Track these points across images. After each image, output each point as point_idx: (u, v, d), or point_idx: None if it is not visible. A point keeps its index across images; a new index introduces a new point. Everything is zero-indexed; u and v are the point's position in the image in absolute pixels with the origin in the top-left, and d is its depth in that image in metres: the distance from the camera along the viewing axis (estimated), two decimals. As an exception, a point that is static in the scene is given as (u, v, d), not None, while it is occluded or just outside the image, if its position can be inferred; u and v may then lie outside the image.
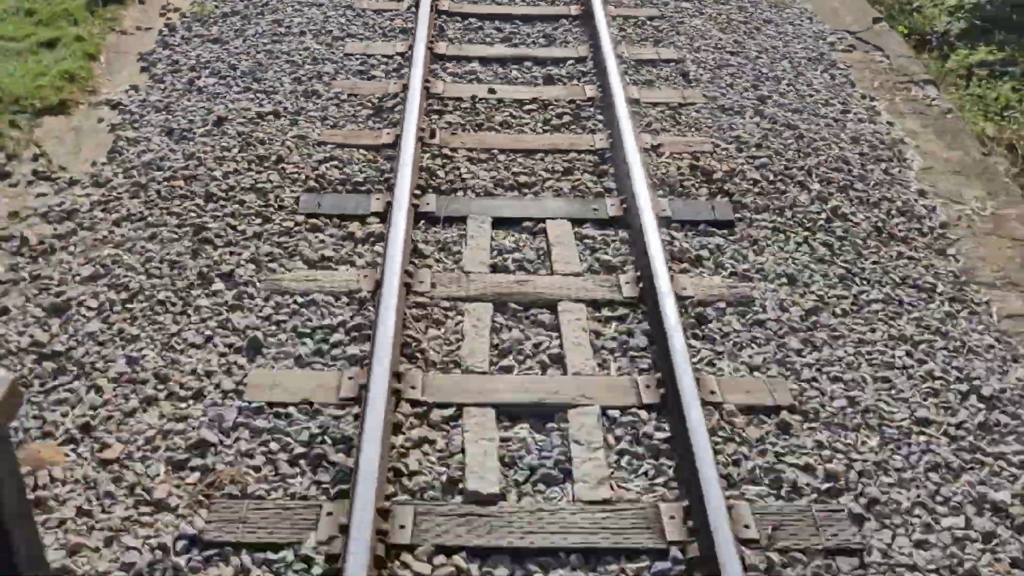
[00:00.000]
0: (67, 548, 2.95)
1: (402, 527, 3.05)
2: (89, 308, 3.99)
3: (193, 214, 4.53)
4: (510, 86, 5.67)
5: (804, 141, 5.28)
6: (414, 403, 3.55)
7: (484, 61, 5.96)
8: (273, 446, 3.37)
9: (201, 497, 3.18)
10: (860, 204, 4.83)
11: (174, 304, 4.00)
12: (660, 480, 3.31)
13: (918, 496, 3.28)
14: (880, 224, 4.71)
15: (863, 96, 5.92)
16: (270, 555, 2.99)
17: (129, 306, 3.99)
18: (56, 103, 5.54)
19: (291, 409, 3.51)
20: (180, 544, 3.01)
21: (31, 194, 4.82)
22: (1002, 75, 6.82)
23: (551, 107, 5.48)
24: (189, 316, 3.94)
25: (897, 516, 3.20)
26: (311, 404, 3.53)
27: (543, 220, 4.55)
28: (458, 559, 2.99)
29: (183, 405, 3.53)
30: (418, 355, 3.78)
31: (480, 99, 5.50)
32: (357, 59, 5.95)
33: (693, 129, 5.33)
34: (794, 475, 3.32)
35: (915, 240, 4.66)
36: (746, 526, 3.07)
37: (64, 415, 3.48)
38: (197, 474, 3.26)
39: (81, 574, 2.88)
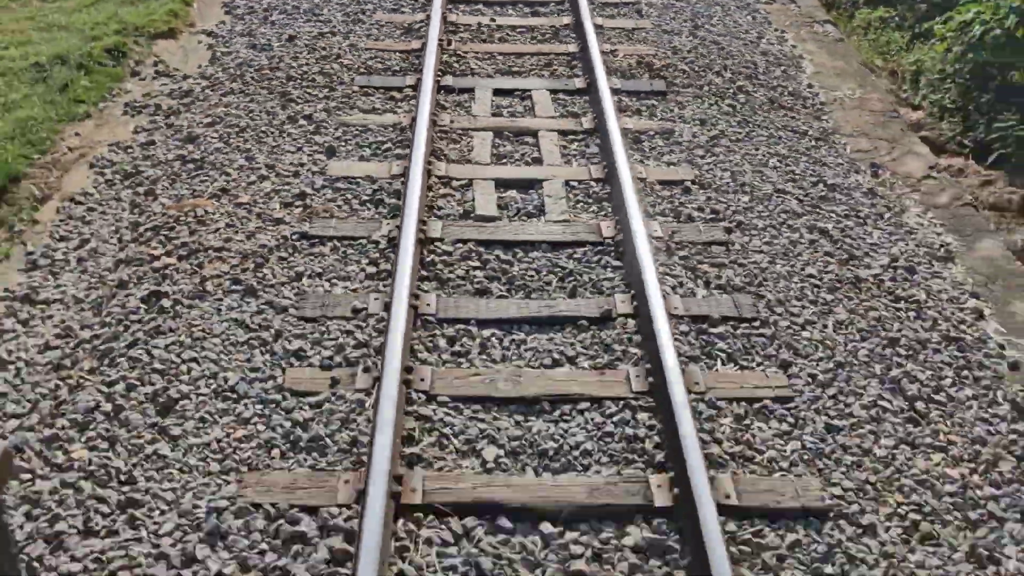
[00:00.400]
0: (222, 237, 4.74)
1: (435, 230, 4.83)
2: (212, 138, 5.80)
3: (279, 87, 6.37)
4: (506, 18, 7.54)
5: (724, 51, 7.14)
6: (440, 178, 5.35)
7: (487, 3, 7.82)
8: (348, 196, 5.17)
9: (304, 218, 4.97)
10: (760, 86, 6.66)
11: (273, 133, 5.82)
12: (602, 213, 5.10)
13: (770, 223, 5.06)
14: (774, 98, 6.54)
15: (776, 29, 7.78)
16: (353, 243, 4.77)
17: (241, 135, 5.80)
18: (166, 30, 7.40)
19: (358, 179, 5.31)
20: (294, 237, 4.80)
21: (156, 84, 6.65)
22: (894, 27, 8.67)
23: (536, 30, 7.35)
24: (284, 138, 5.75)
25: (754, 231, 4.98)
26: (371, 178, 5.32)
27: (529, 90, 6.37)
28: (470, 246, 4.77)
29: (287, 179, 5.33)
30: (443, 156, 5.58)
31: (484, 25, 7.36)
32: (391, 0, 7.82)
33: (641, 43, 7.19)
34: (689, 212, 5.11)
35: (799, 109, 6.47)
36: (655, 232, 4.85)
37: (207, 187, 5.28)
38: (300, 208, 5.05)
39: (236, 250, 4.66)
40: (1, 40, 7.26)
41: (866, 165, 5.83)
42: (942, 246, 5.07)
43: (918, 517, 3.37)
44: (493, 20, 7.41)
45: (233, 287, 4.40)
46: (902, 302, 4.54)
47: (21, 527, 3.15)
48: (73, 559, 3.06)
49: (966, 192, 5.74)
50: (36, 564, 3.00)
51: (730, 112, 6.23)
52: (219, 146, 5.66)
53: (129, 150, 5.67)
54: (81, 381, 3.85)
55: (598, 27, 7.20)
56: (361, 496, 3.21)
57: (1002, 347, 4.34)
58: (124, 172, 5.44)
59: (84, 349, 4.04)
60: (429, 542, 3.17)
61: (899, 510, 3.40)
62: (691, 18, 7.70)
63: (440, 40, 6.80)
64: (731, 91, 6.51)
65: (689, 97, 6.38)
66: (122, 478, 3.38)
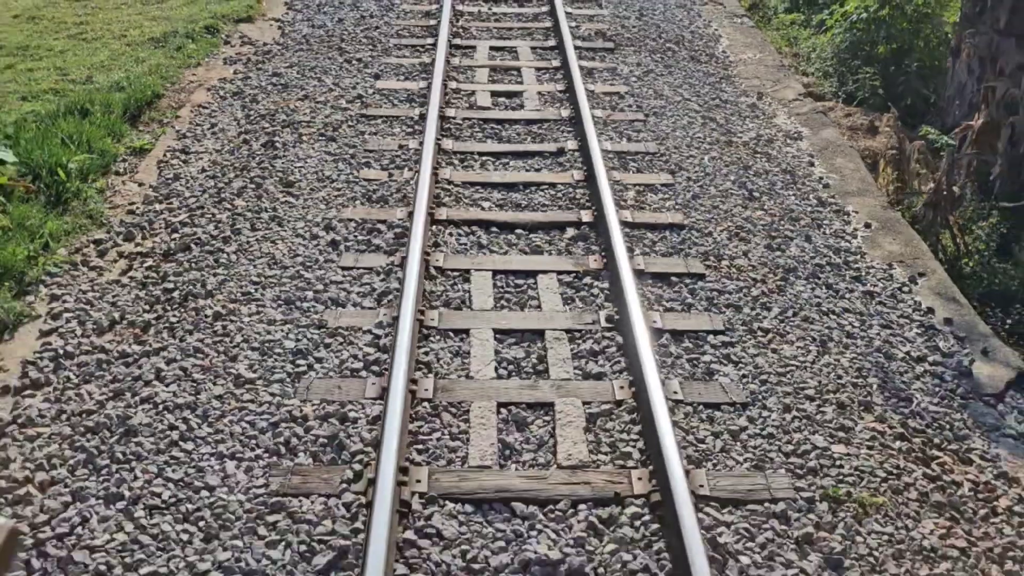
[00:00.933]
0: (309, 117, 7.19)
1: (450, 113, 7.27)
2: (292, 74, 8.27)
3: (336, 46, 8.88)
4: (499, 7, 10.10)
5: (660, 29, 9.68)
6: (453, 90, 7.82)
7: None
8: (391, 98, 7.63)
9: (362, 107, 7.42)
10: (684, 49, 9.18)
11: (334, 69, 8.30)
12: (562, 107, 7.55)
13: (675, 114, 7.52)
14: (693, 55, 9.05)
15: (704, 19, 10.35)
16: (395, 119, 7.21)
17: (312, 71, 8.29)
18: (245, 17, 9.94)
19: (397, 90, 7.78)
20: (357, 116, 7.24)
21: (244, 48, 9.15)
22: (801, 26, 11.22)
23: (521, 15, 9.91)
24: (343, 72, 8.23)
25: (664, 117, 7.43)
26: (407, 90, 7.80)
27: (515, 47, 8.89)
28: (473, 122, 7.21)
29: (347, 90, 7.80)
30: (453, 81, 8.05)
31: (483, 11, 9.91)
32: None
33: (599, 22, 9.74)
34: (622, 107, 7.57)
35: (711, 63, 8.97)
36: (597, 116, 7.28)
37: (293, 96, 7.74)
38: (358, 103, 7.51)
39: (319, 122, 7.10)
40: (121, 26, 9.81)
41: (754, 93, 8.30)
42: (795, 131, 7.51)
43: (739, 232, 5.75)
44: (490, 8, 9.97)
45: (320, 137, 6.83)
46: (759, 154, 6.96)
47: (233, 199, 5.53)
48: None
49: (829, 118, 8.18)
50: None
51: (659, 62, 8.74)
52: (297, 77, 8.14)
53: (233, 81, 8.14)
54: (231, 178, 6.25)
55: (568, 13, 9.75)
56: (411, 216, 5.58)
57: (821, 178, 6.74)
58: (232, 92, 7.90)
59: (229, 167, 6.45)
60: (450, 234, 5.55)
61: (728, 230, 5.78)
62: (638, 10, 10.27)
63: (451, 19, 9.34)
64: (661, 51, 9.03)
65: (630, 53, 8.89)
66: (269, 213, 5.77)
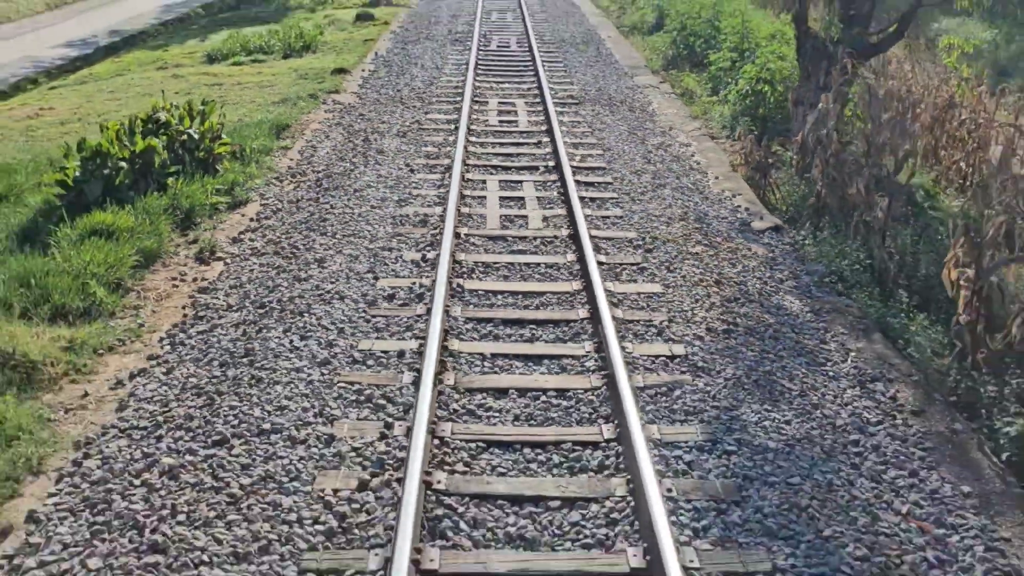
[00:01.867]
0: (387, 129, 11.88)
1: (473, 126, 11.92)
2: (371, 114, 12.97)
3: (397, 102, 13.62)
4: (503, 84, 14.90)
5: (611, 96, 14.41)
6: (474, 119, 12.48)
7: (494, 75, 15.21)
8: (437, 121, 12.30)
9: (420, 128, 12.09)
10: (625, 106, 13.86)
11: (398, 111, 13.01)
12: (541, 126, 12.20)
13: (617, 136, 12.16)
14: (631, 108, 13.72)
15: (644, 94, 15.11)
16: (439, 130, 11.88)
17: (384, 113, 13.00)
18: (333, 90, 14.75)
19: (439, 120, 12.46)
20: (416, 129, 11.93)
21: (335, 106, 13.89)
22: (713, 104, 15.99)
23: (518, 86, 14.70)
24: (403, 113, 12.93)
25: (611, 138, 12.07)
26: (446, 119, 12.47)
27: (514, 102, 13.61)
28: (488, 129, 11.87)
29: (409, 122, 12.48)
30: (475, 118, 12.73)
31: (492, 84, 14.71)
32: (452, 65, 15.22)
33: (570, 89, 14.50)
34: (581, 132, 12.22)
35: (642, 113, 13.62)
36: (567, 140, 11.91)
37: (376, 124, 12.42)
38: (416, 126, 12.18)
39: (395, 131, 11.77)
40: (251, 97, 14.61)
41: (666, 127, 12.93)
42: (687, 143, 12.08)
43: (638, 173, 10.26)
44: (498, 84, 14.79)
45: (396, 136, 11.47)
46: (660, 149, 11.52)
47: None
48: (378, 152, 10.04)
49: (714, 142, 12.75)
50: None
51: (607, 111, 13.41)
52: (375, 115, 12.83)
53: (334, 118, 12.81)
54: (346, 152, 10.84)
55: (550, 86, 14.53)
56: (450, 169, 10.10)
57: (696, 158, 11.26)
58: (335, 122, 12.56)
59: (343, 149, 11.04)
60: (472, 161, 10.11)
61: (633, 172, 10.30)
62: (598, 87, 15.04)
63: (472, 88, 14.12)
64: (610, 105, 13.73)
65: (589, 105, 13.60)
66: (374, 162, 10.35)
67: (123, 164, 8.94)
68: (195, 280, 7.44)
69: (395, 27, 21.07)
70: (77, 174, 8.73)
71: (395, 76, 15.17)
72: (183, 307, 6.92)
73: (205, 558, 4.16)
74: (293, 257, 7.79)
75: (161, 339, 6.39)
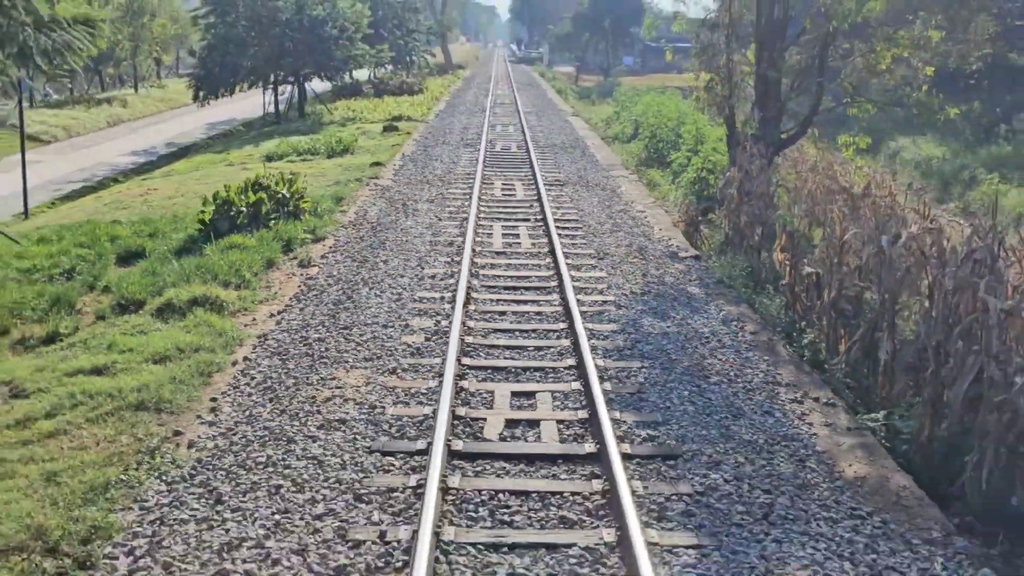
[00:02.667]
0: (428, 192, 16.11)
1: (482, 196, 16.14)
2: (405, 192, 17.22)
3: (426, 183, 17.89)
4: (504, 171, 19.20)
5: (587, 181, 18.67)
6: (483, 191, 16.71)
7: (501, 170, 19.53)
8: (458, 196, 16.52)
9: (443, 189, 16.30)
10: (599, 187, 18.11)
11: (427, 189, 17.25)
12: (534, 199, 16.43)
13: (592, 205, 16.36)
14: (603, 189, 17.96)
15: (614, 180, 19.38)
16: (462, 185, 16.09)
17: (416, 189, 17.23)
18: (373, 176, 19.05)
19: (456, 194, 16.69)
20: (441, 192, 16.15)
21: (376, 186, 18.17)
22: (662, 173, 20.26)
23: (516, 171, 19.00)
24: (432, 189, 17.17)
25: (584, 205, 16.27)
26: (464, 193, 16.70)
27: (514, 184, 17.86)
28: (495, 185, 16.10)
29: (435, 194, 16.71)
30: (485, 188, 16.96)
31: (496, 172, 19.00)
32: (465, 161, 19.51)
33: (557, 174, 18.77)
34: (564, 200, 16.43)
35: (611, 192, 17.85)
36: (554, 207, 16.13)
37: (407, 195, 16.66)
38: (440, 196, 16.40)
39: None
40: (315, 178, 18.90)
41: (628, 201, 17.11)
42: (642, 210, 16.23)
43: (603, 223, 14.38)
44: (500, 171, 19.09)
45: (427, 203, 15.65)
46: (620, 211, 15.66)
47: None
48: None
49: (661, 209, 16.90)
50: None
51: (584, 191, 17.62)
52: (408, 191, 17.04)
53: (376, 194, 17.02)
54: (391, 212, 15.00)
55: (542, 175, 18.79)
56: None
57: (645, 214, 15.39)
58: (378, 195, 16.76)
59: (388, 210, 15.22)
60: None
61: (598, 221, 14.41)
62: (577, 176, 19.32)
63: (481, 173, 18.38)
64: (587, 187, 17.94)
65: (570, 187, 17.82)
66: (412, 216, 14.52)
67: (243, 209, 13.05)
68: (302, 274, 11.42)
69: (416, 136, 25.62)
70: (212, 216, 12.83)
71: (421, 168, 19.48)
72: (298, 285, 10.89)
73: (347, 357, 8.06)
74: (365, 261, 11.80)
75: (290, 298, 10.34)
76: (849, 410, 7.65)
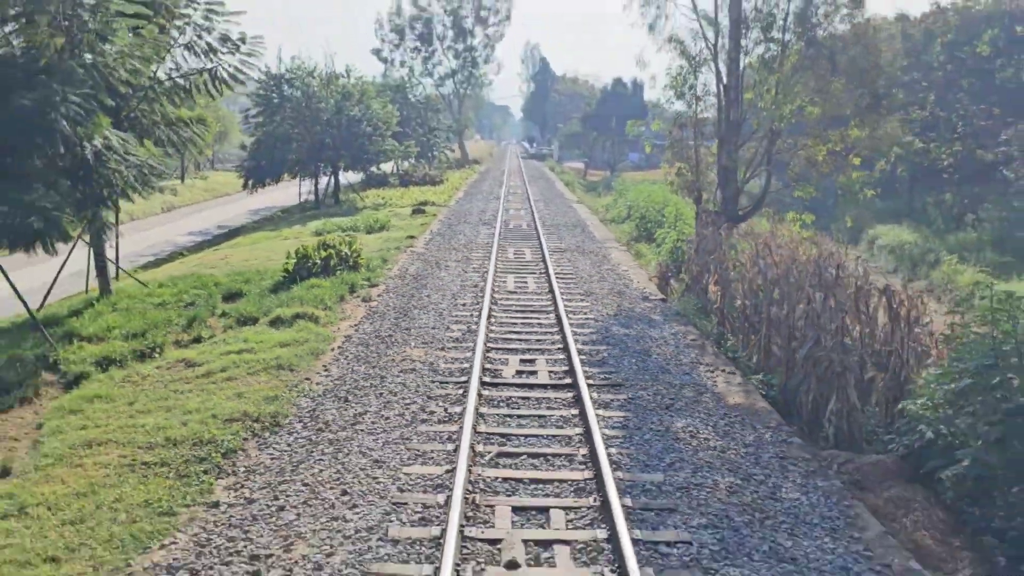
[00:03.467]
0: (461, 234, 20.33)
1: (498, 263, 20.30)
2: (438, 254, 21.41)
3: (453, 250, 22.08)
4: (516, 242, 23.40)
5: (584, 249, 22.85)
6: (499, 255, 20.88)
7: (511, 242, 23.73)
8: (479, 255, 20.69)
9: (471, 240, 20.48)
10: (592, 254, 22.25)
11: (455, 253, 21.44)
12: (538, 258, 20.59)
13: (586, 264, 20.50)
14: (596, 255, 22.10)
15: (605, 250, 23.53)
16: (485, 233, 20.27)
17: (446, 251, 21.42)
18: (408, 246, 23.27)
19: (480, 256, 20.87)
20: (471, 240, 20.34)
21: (412, 252, 22.38)
22: (649, 247, 24.40)
23: (525, 243, 23.18)
24: (459, 254, 21.35)
25: (581, 265, 20.41)
26: (484, 256, 20.87)
27: (524, 249, 22.03)
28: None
29: (461, 255, 20.89)
30: (500, 255, 21.13)
31: (509, 243, 23.19)
32: (483, 235, 23.71)
33: (559, 243, 22.95)
34: (563, 262, 20.59)
35: (603, 258, 21.98)
36: (553, 262, 20.30)
37: (438, 256, 20.85)
38: (465, 259, 20.58)
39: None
40: (367, 251, 23.16)
41: (615, 264, 21.21)
42: (626, 270, 20.32)
43: (593, 276, 18.50)
44: (511, 242, 23.28)
45: (455, 262, 19.81)
46: (608, 269, 19.76)
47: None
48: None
49: (643, 269, 20.98)
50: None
51: (581, 257, 21.75)
52: (438, 255, 21.21)
53: (413, 257, 21.19)
54: (427, 269, 19.17)
55: (547, 245, 22.96)
56: (488, 254, 18.37)
57: (627, 271, 19.48)
58: (415, 258, 20.94)
59: (423, 268, 19.38)
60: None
61: (589, 277, 18.53)
62: (577, 248, 23.49)
63: (498, 246, 22.57)
64: (583, 254, 22.08)
65: (569, 254, 21.96)
66: (442, 271, 18.68)
67: (317, 262, 17.22)
68: (365, 306, 15.47)
69: (441, 217, 29.98)
70: (294, 266, 17.00)
71: (447, 239, 23.68)
72: (364, 312, 14.94)
73: (409, 342, 12.10)
74: (412, 296, 15.87)
75: (361, 318, 14.39)
76: (744, 377, 11.57)
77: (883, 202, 42.31)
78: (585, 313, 14.71)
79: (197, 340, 13.35)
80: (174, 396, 10.17)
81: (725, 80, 20.36)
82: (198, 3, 15.58)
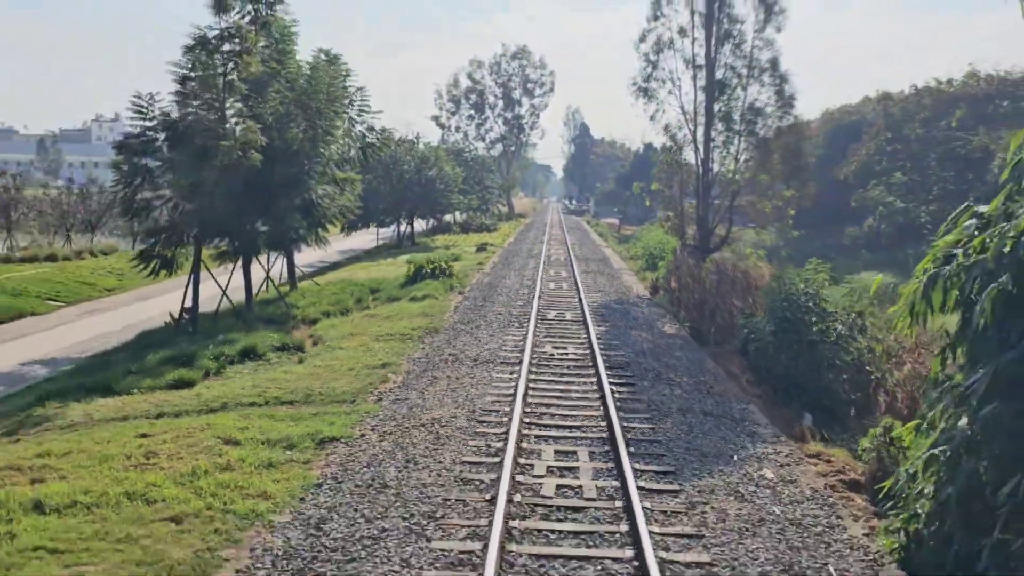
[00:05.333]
0: (505, 283, 29.92)
1: (542, 296, 29.81)
2: (485, 292, 30.92)
3: (489, 301, 31.62)
4: (552, 271, 32.84)
5: (604, 271, 32.23)
6: (542, 290, 30.37)
7: (547, 262, 33.17)
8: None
9: (512, 302, 29.99)
10: (608, 273, 31.60)
11: (499, 295, 30.96)
12: (570, 282, 30.06)
13: (602, 283, 29.94)
14: (609, 275, 31.45)
15: (618, 272, 32.86)
16: (528, 269, 29.81)
17: (486, 304, 30.95)
18: (478, 263, 32.81)
19: (523, 307, 30.40)
20: (512, 282, 29.87)
21: (456, 299, 31.90)
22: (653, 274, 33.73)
23: (560, 269, 32.62)
24: (501, 295, 30.87)
25: (602, 282, 29.84)
26: (526, 304, 30.38)
27: (561, 272, 31.51)
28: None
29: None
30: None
31: (548, 275, 32.66)
32: (531, 265, 33.15)
33: (587, 266, 32.38)
34: (586, 274, 30.05)
35: (616, 278, 31.32)
36: (581, 279, 29.75)
37: (487, 293, 30.37)
38: (508, 302, 30.11)
39: (509, 265, 29.72)
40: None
41: (623, 281, 30.53)
42: (633, 283, 29.65)
43: (605, 288, 27.92)
44: (555, 271, 32.74)
45: (518, 271, 29.36)
46: (617, 284, 29.12)
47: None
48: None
49: (644, 287, 30.27)
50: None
51: (601, 276, 31.10)
52: (502, 273, 30.72)
53: (483, 275, 30.70)
54: (481, 300, 28.70)
55: (578, 270, 32.38)
56: (533, 287, 27.82)
57: (632, 287, 28.84)
58: (485, 275, 30.46)
59: (479, 299, 28.91)
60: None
61: (602, 291, 27.95)
62: (600, 270, 32.85)
63: (543, 267, 32.01)
64: (602, 275, 31.43)
65: (592, 276, 31.31)
66: (494, 304, 28.24)
67: (427, 270, 26.86)
68: (459, 297, 24.98)
69: (498, 253, 39.53)
70: (412, 273, 26.67)
71: (505, 266, 32.95)
72: (460, 299, 24.47)
73: (496, 309, 21.66)
74: (490, 290, 25.40)
75: (460, 301, 23.92)
76: (680, 324, 20.83)
77: (871, 254, 51.34)
78: (597, 302, 24.09)
79: (365, 308, 22.91)
80: (375, 324, 19.68)
81: (702, 155, 29.83)
82: (354, 104, 25.48)
